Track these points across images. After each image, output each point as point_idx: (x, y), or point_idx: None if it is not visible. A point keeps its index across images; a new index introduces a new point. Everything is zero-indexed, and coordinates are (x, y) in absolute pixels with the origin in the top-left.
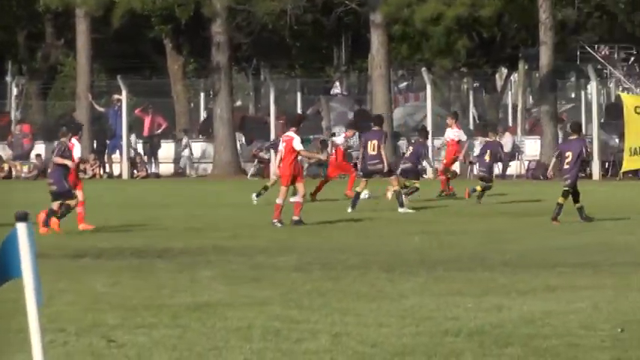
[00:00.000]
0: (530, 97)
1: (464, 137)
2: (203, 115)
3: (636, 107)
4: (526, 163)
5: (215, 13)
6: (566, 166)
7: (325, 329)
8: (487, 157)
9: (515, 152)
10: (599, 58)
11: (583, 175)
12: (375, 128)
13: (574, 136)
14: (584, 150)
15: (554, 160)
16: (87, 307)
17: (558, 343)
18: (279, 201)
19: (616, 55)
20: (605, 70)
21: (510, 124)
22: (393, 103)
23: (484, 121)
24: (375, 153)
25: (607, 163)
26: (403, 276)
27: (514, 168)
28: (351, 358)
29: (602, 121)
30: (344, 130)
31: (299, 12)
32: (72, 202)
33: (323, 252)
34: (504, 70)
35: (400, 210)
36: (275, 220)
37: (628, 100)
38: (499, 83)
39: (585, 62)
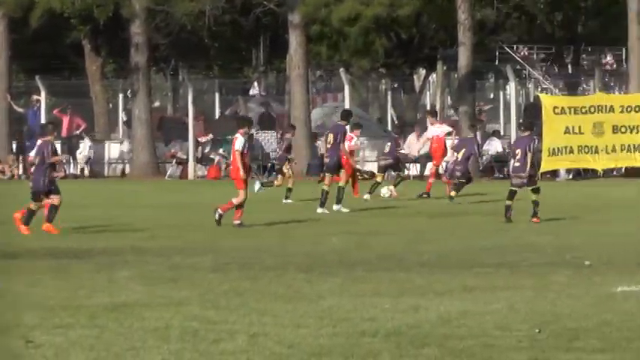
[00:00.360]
0: (449, 98)
1: (448, 129)
2: (122, 115)
3: (555, 107)
4: (444, 163)
5: (134, 14)
6: (516, 164)
7: (243, 330)
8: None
9: None
10: (518, 59)
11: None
12: (341, 122)
13: (525, 133)
14: (531, 146)
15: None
16: (5, 307)
17: (474, 344)
18: (236, 202)
19: (535, 56)
20: (524, 71)
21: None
22: (311, 103)
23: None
24: (329, 147)
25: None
26: (321, 277)
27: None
28: (268, 359)
29: (520, 121)
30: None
31: (217, 13)
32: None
33: (241, 252)
34: (423, 71)
35: (334, 207)
36: (236, 222)
37: (547, 101)
38: (417, 84)
39: (504, 63)
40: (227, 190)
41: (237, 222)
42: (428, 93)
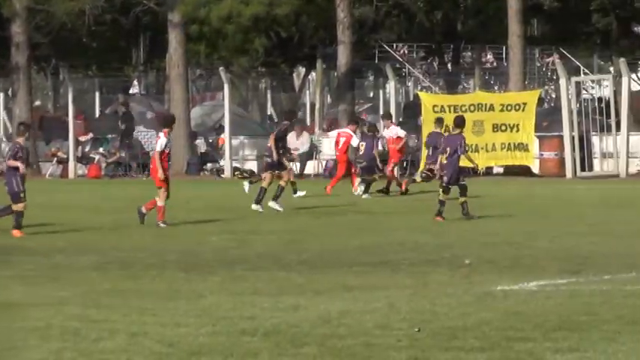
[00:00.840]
0: (329, 96)
1: (402, 133)
2: (3, 115)
3: (434, 106)
4: (324, 162)
5: (15, 13)
6: (444, 162)
7: (123, 329)
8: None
9: (313, 151)
10: (398, 57)
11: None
12: (285, 122)
13: (457, 131)
14: (461, 144)
15: (439, 156)
16: None
17: (354, 343)
18: (160, 203)
19: (415, 54)
20: (403, 69)
21: (308, 123)
22: (191, 102)
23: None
24: (269, 145)
25: (405, 162)
26: (200, 276)
27: (311, 167)
28: (148, 358)
29: (400, 119)
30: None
31: (97, 12)
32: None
33: (122, 252)
34: (302, 69)
35: (270, 203)
36: (159, 222)
37: (426, 99)
38: (297, 82)
39: (384, 61)
40: (107, 189)
41: (161, 222)
42: (307, 91)
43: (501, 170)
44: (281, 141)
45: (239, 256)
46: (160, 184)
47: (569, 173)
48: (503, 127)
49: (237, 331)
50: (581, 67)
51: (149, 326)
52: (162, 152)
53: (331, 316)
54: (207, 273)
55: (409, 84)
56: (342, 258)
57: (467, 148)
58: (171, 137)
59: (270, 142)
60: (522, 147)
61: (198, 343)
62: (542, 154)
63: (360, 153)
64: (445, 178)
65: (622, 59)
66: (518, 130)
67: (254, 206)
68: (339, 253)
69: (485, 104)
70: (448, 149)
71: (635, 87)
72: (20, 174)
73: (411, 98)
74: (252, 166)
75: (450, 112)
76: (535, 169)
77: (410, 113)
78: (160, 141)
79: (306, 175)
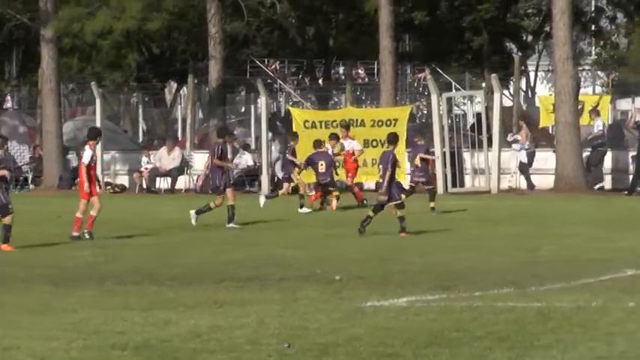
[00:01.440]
0: (200, 111)
1: (358, 147)
2: None
3: (305, 121)
4: (195, 177)
5: None
6: (379, 180)
7: None
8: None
9: (184, 166)
10: (269, 72)
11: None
12: (218, 140)
13: (390, 148)
14: (391, 160)
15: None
16: None
17: (224, 358)
18: (78, 214)
19: (286, 69)
20: (275, 84)
21: (180, 137)
22: (63, 117)
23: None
24: (212, 165)
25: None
26: (71, 290)
27: (182, 182)
28: None
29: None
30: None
31: None
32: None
33: None
34: (174, 84)
35: (228, 225)
36: (74, 234)
37: (297, 115)
38: (169, 97)
39: (255, 76)
40: None
41: (86, 232)
42: (179, 106)
43: (373, 186)
44: (223, 159)
45: (110, 270)
46: (84, 195)
47: (440, 189)
48: (375, 143)
49: (107, 345)
50: (453, 83)
51: (20, 340)
52: (88, 165)
53: (202, 331)
54: (78, 287)
55: (280, 99)
56: (214, 273)
57: (398, 164)
58: (96, 150)
59: (216, 163)
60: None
61: (69, 357)
62: (413, 170)
63: (322, 171)
64: (384, 197)
65: (494, 75)
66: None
67: (229, 225)
68: (210, 267)
69: (357, 120)
70: (381, 166)
71: (507, 103)
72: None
73: (283, 113)
74: (123, 180)
75: (321, 127)
76: (406, 185)
77: (284, 127)
78: (86, 153)
79: (177, 190)
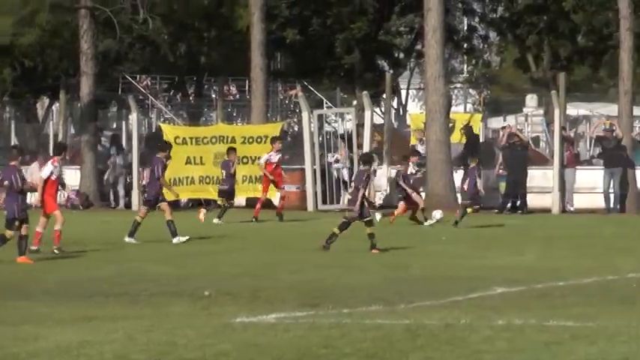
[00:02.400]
0: (72, 127)
1: (275, 158)
2: None
3: (176, 138)
4: (66, 193)
5: None
6: (349, 197)
7: None
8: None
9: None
10: (141, 88)
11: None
12: (159, 155)
13: (365, 167)
14: (364, 179)
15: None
16: None
17: None
18: (39, 229)
19: (158, 86)
20: (146, 101)
21: (51, 153)
22: None
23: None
24: (148, 181)
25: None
26: None
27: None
28: None
29: (142, 152)
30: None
31: None
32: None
33: None
34: (46, 100)
35: (174, 240)
36: (34, 247)
37: (168, 131)
38: (41, 113)
39: (127, 92)
40: None
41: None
42: (51, 122)
43: (244, 202)
44: (163, 174)
45: None
46: (49, 210)
47: (310, 206)
48: (245, 160)
49: None
50: (324, 100)
51: None
52: (47, 180)
53: (71, 346)
54: None
55: (152, 115)
56: (84, 288)
57: (370, 184)
58: (60, 165)
59: (161, 182)
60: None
61: None
62: (283, 187)
63: (225, 177)
64: (353, 214)
65: (365, 92)
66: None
67: (127, 239)
68: (80, 282)
69: (227, 136)
70: (353, 184)
71: (378, 120)
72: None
73: (154, 130)
74: None
75: (191, 143)
76: (276, 202)
77: (152, 144)
78: (45, 168)
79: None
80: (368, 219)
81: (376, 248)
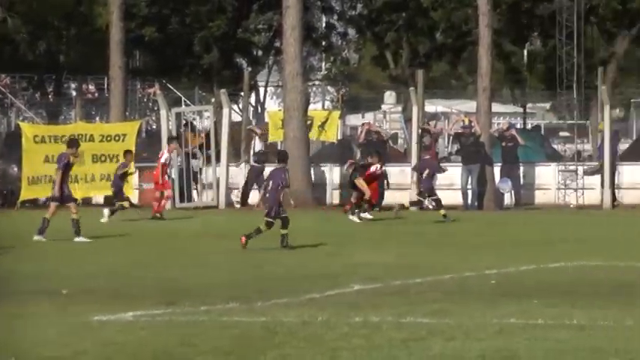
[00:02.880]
0: None
1: (164, 159)
2: None
3: (35, 136)
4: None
5: None
6: (266, 195)
7: None
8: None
9: None
10: (0, 88)
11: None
12: (65, 152)
13: (280, 166)
14: (283, 178)
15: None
16: None
17: None
18: None
19: (17, 85)
20: (6, 100)
21: None
22: None
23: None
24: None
25: (5, 192)
26: None
27: None
28: None
29: (2, 150)
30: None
31: None
32: None
33: None
34: None
35: (76, 239)
36: None
37: (27, 129)
38: None
39: None
40: None
41: None
42: None
43: (101, 200)
44: (67, 172)
45: None
46: None
47: (168, 204)
48: (103, 158)
49: None
50: (183, 98)
51: None
52: None
53: None
54: None
55: (11, 114)
56: None
57: (288, 182)
58: None
59: (57, 176)
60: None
61: None
62: (141, 185)
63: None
64: (266, 211)
65: (223, 90)
66: (118, 161)
67: (36, 237)
68: None
69: (86, 135)
70: (271, 183)
71: (236, 118)
72: None
73: (13, 128)
74: None
75: (50, 142)
76: (135, 200)
77: (11, 143)
78: None
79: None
80: (269, 219)
81: (248, 237)
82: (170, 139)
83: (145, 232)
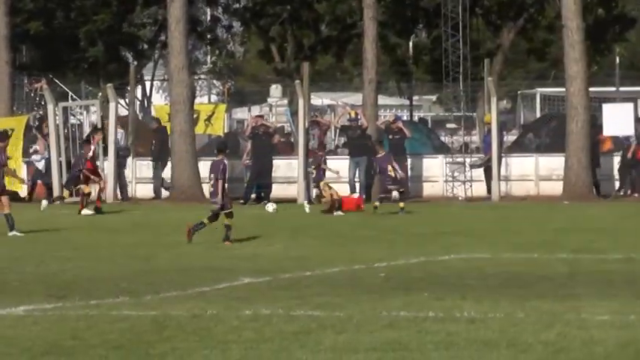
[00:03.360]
0: None
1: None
2: None
3: None
4: None
5: None
6: (211, 189)
7: None
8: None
9: None
10: None
11: None
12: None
13: (219, 157)
14: (221, 169)
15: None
16: None
17: None
18: None
19: None
20: None
21: None
22: None
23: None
24: None
25: None
26: None
27: None
28: None
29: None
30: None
31: None
32: None
33: None
34: None
35: (10, 233)
36: None
37: None
38: None
39: None
40: None
41: None
42: None
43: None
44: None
45: None
46: None
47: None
48: None
49: None
50: (70, 93)
51: None
52: None
53: None
54: None
55: None
56: None
57: (227, 174)
58: None
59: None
60: (11, 173)
61: None
62: (29, 180)
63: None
64: (216, 206)
65: (109, 85)
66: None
67: (11, 233)
68: None
69: None
70: (212, 175)
71: (123, 112)
72: None
73: None
74: None
75: None
76: (23, 194)
77: None
78: None
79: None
80: (229, 210)
81: (229, 240)
82: (94, 130)
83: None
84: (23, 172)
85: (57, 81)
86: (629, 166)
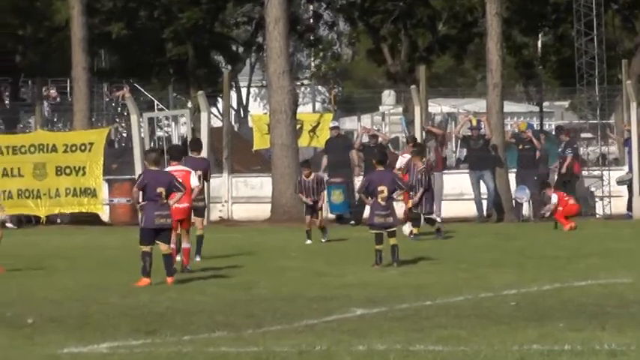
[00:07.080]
0: None
1: None
2: None
3: None
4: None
5: None
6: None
7: None
8: None
9: None
10: None
11: None
12: None
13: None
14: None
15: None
16: None
17: None
18: None
19: None
20: None
21: None
22: None
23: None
24: None
25: None
26: None
27: None
28: None
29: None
30: None
31: None
32: None
33: None
34: None
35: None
36: None
37: None
38: None
39: None
40: None
41: None
42: None
43: (67, 218)
44: None
45: None
46: None
47: None
48: (68, 170)
49: None
50: (155, 102)
51: None
52: None
53: None
54: None
55: None
56: None
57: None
58: None
59: None
60: (89, 192)
61: None
62: (112, 200)
63: None
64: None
65: (200, 92)
66: (85, 174)
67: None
68: None
69: (48, 144)
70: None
71: (216, 123)
72: None
73: None
74: None
75: (8, 153)
76: (105, 217)
77: None
78: None
79: None
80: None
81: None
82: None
83: (110, 252)
84: (104, 191)
85: (141, 88)
86: None
